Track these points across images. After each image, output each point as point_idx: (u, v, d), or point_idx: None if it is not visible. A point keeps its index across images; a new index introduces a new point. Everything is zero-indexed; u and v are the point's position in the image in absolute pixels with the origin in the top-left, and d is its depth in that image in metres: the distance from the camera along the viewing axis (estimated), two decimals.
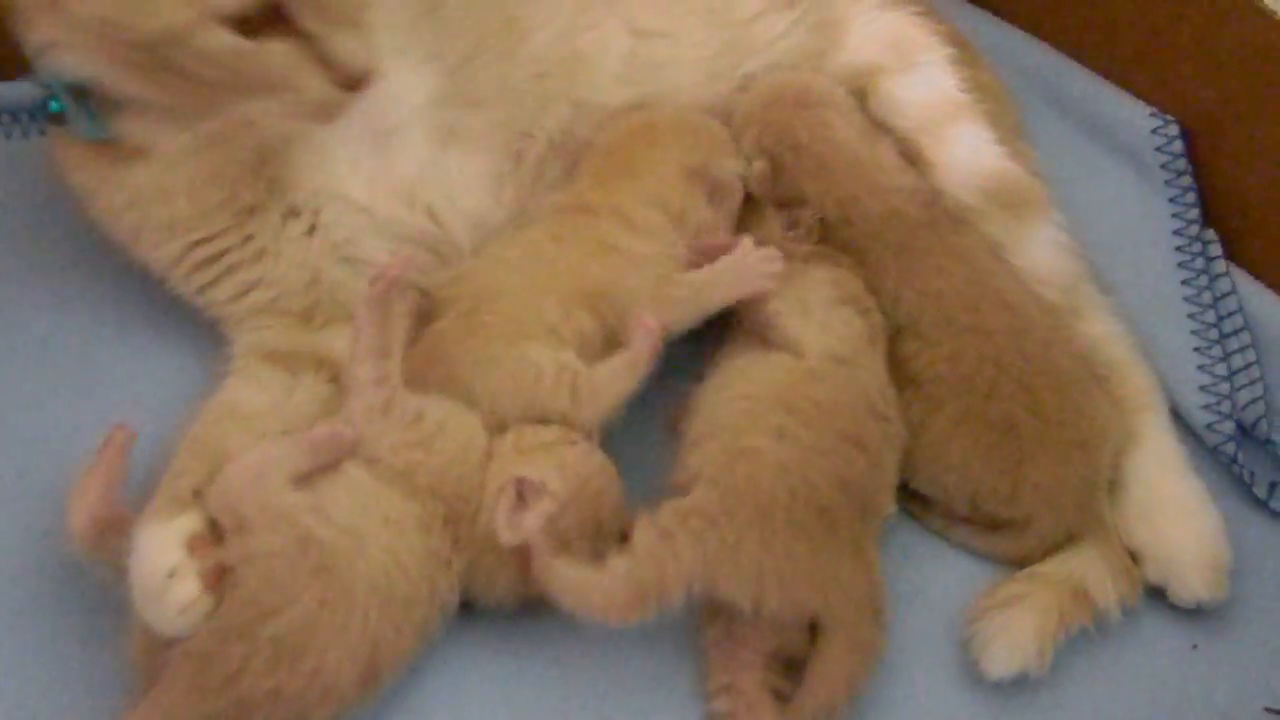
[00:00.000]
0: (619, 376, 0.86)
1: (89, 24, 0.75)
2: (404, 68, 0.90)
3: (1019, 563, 0.88)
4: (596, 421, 0.86)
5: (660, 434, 0.89)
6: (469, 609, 0.82)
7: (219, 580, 0.72)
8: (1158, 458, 0.91)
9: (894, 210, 0.93)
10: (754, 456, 0.80)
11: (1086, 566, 0.87)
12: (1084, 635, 0.86)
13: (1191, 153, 1.03)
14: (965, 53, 1.02)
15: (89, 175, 0.87)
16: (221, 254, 0.88)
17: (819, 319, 0.87)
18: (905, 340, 0.91)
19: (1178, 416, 0.96)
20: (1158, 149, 1.03)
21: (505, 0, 0.94)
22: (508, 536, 0.78)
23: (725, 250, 0.89)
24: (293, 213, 0.88)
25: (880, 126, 0.97)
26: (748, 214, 0.96)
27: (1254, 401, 0.95)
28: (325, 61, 0.77)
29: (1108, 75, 1.08)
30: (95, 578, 0.77)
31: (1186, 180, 1.02)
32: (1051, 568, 0.87)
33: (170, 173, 0.85)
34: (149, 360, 0.94)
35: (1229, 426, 0.94)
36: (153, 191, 0.85)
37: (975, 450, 0.88)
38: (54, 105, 0.84)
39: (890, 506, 0.88)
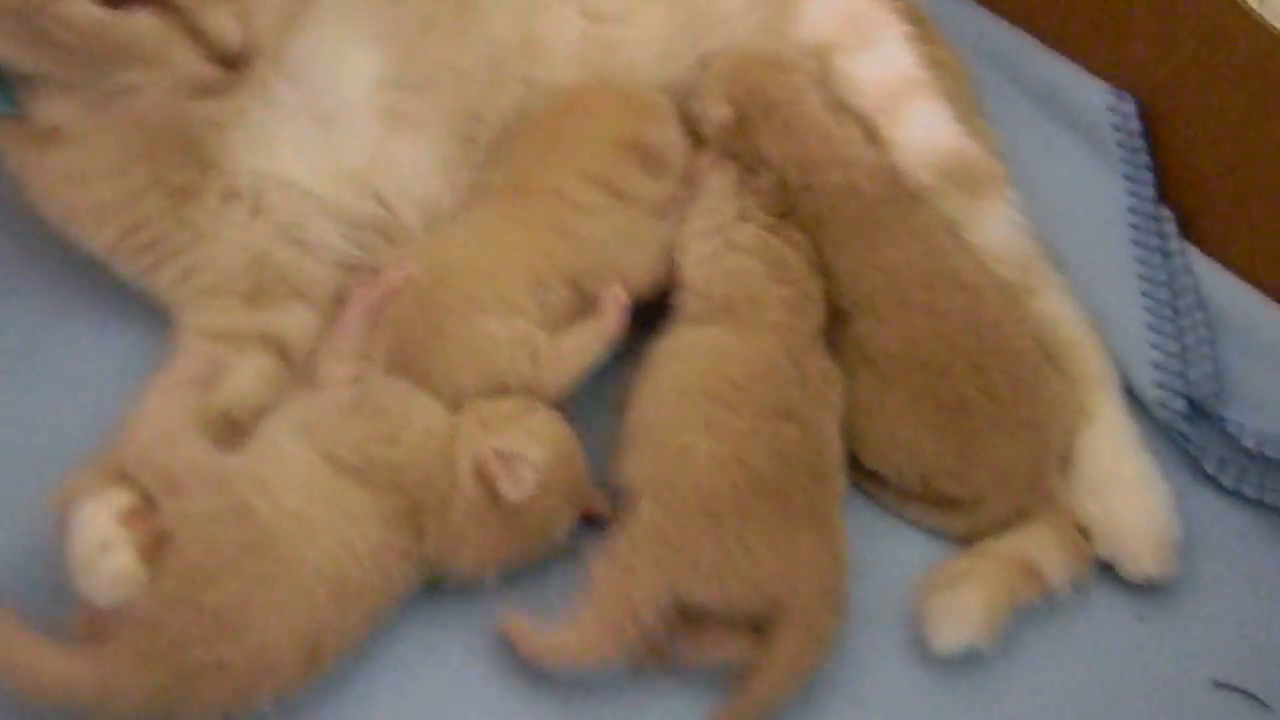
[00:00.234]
0: (585, 344, 0.86)
1: None
2: (349, 50, 0.89)
3: (971, 539, 0.89)
4: (561, 389, 0.86)
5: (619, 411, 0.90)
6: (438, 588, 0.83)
7: (155, 552, 0.72)
8: (1109, 435, 0.92)
9: (855, 184, 0.93)
10: (688, 456, 0.81)
11: (1037, 543, 0.88)
12: (1034, 610, 0.87)
13: (1148, 130, 1.03)
14: (923, 29, 1.02)
15: (19, 158, 0.86)
16: (158, 239, 0.87)
17: (712, 246, 0.89)
18: (862, 318, 0.92)
19: (1131, 393, 0.96)
20: (1114, 126, 1.03)
21: None
22: (514, 494, 0.79)
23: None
24: (232, 195, 0.88)
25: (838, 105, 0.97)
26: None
27: (1206, 378, 0.95)
28: (198, 37, 0.76)
29: (1065, 52, 1.08)
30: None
31: (1143, 158, 1.03)
32: (1002, 544, 0.88)
33: (87, 155, 0.84)
34: (97, 344, 0.93)
35: (1181, 403, 0.95)
36: (74, 175, 0.85)
37: (927, 429, 0.88)
38: None
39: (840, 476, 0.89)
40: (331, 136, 0.89)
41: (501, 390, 0.85)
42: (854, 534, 0.89)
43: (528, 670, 0.81)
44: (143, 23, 0.75)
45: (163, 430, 0.76)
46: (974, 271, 0.93)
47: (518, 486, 0.79)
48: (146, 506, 0.74)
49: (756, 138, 0.93)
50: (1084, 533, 0.90)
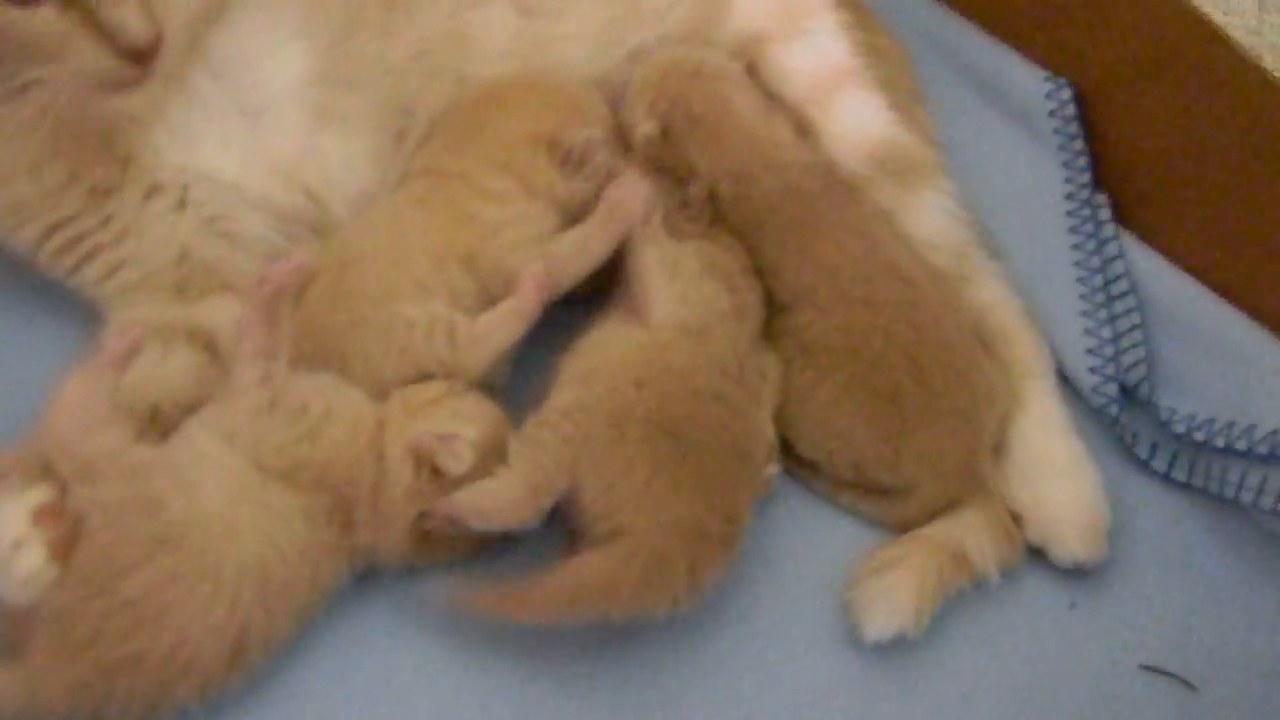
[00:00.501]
0: (502, 324, 0.86)
1: None
2: (275, 45, 0.89)
3: (904, 527, 0.90)
4: (480, 369, 0.86)
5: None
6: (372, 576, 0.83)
7: (67, 549, 0.73)
8: (1041, 421, 0.93)
9: (790, 186, 0.93)
10: (614, 392, 0.82)
11: (967, 529, 0.88)
12: (965, 595, 0.88)
13: (1084, 116, 1.04)
14: (859, 16, 1.02)
15: None
16: (81, 237, 0.87)
17: (680, 288, 0.88)
18: (801, 310, 0.92)
19: (1065, 378, 0.97)
20: (1050, 112, 1.04)
21: None
22: (456, 469, 0.80)
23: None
24: (156, 190, 0.87)
25: (770, 96, 0.97)
26: None
27: (1137, 364, 0.96)
28: (102, 31, 0.76)
29: (1003, 38, 1.08)
30: None
31: (1079, 144, 1.03)
32: (933, 530, 0.89)
33: (1, 153, 0.83)
34: (25, 342, 0.93)
35: (1113, 388, 0.96)
36: None
37: (859, 418, 0.89)
38: None
39: (771, 467, 0.90)
40: (258, 131, 0.89)
41: (423, 375, 0.85)
42: (787, 521, 0.91)
43: (467, 653, 0.82)
44: (45, 18, 0.75)
45: (79, 415, 0.76)
46: (910, 262, 0.93)
47: (457, 461, 0.80)
48: (62, 498, 0.75)
49: (684, 150, 0.93)
50: (1016, 519, 0.91)
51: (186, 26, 0.85)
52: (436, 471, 0.81)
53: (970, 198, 1.00)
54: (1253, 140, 0.93)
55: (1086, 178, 1.02)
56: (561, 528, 0.84)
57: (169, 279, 0.89)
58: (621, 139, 0.96)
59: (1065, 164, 1.03)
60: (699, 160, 0.93)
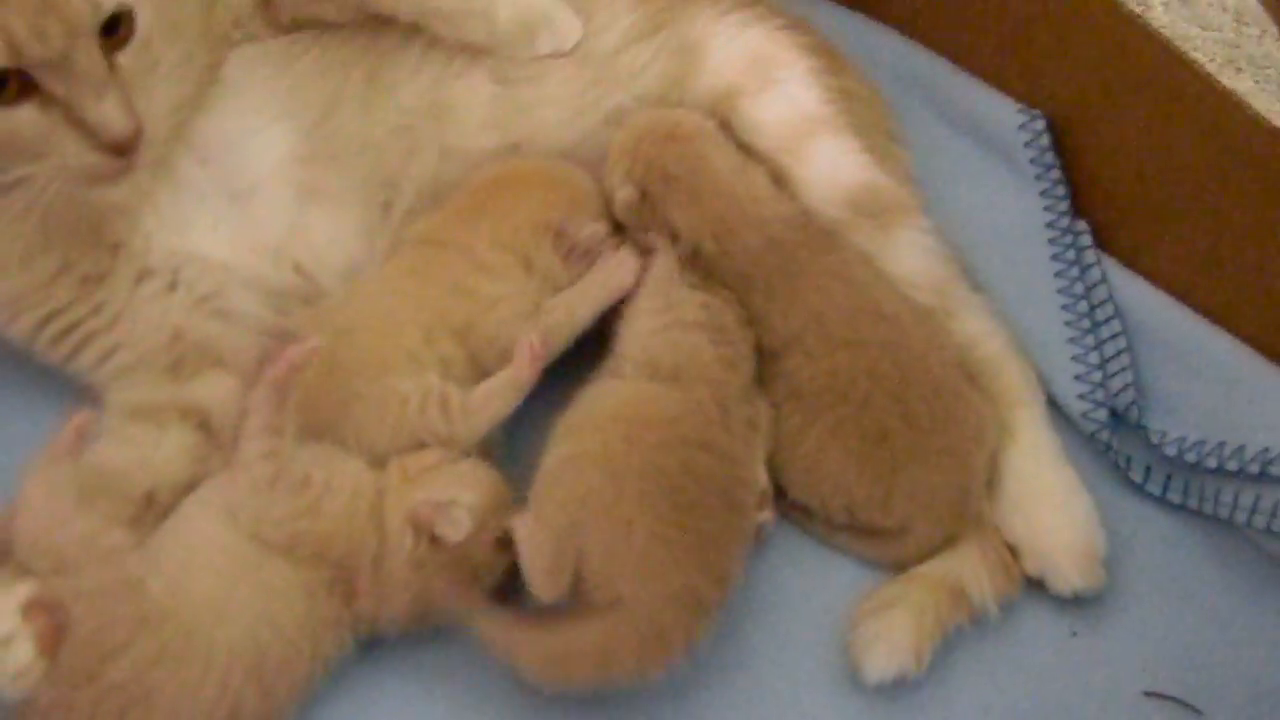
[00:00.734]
0: (498, 395, 0.88)
1: None
2: (258, 127, 0.91)
3: (901, 566, 0.90)
4: (475, 439, 0.88)
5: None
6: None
7: (55, 641, 0.73)
8: (1031, 452, 0.93)
9: (772, 239, 0.94)
10: (604, 446, 0.83)
11: (964, 565, 0.89)
12: (966, 630, 0.88)
13: (1060, 146, 1.05)
14: (830, 61, 1.04)
15: None
16: (75, 325, 0.89)
17: (661, 322, 0.90)
18: (790, 356, 0.93)
19: (1054, 406, 0.98)
20: (1026, 144, 1.05)
21: (365, 55, 0.95)
22: (454, 536, 0.81)
23: None
24: (146, 274, 0.89)
25: (744, 149, 0.98)
26: None
27: (1125, 388, 0.97)
28: (83, 127, 0.78)
29: (976, 73, 1.10)
30: None
31: (1056, 173, 1.04)
32: (930, 568, 0.89)
33: None
34: (25, 427, 0.92)
35: (1103, 414, 0.96)
36: None
37: (849, 460, 0.90)
38: None
39: (765, 514, 0.90)
40: (246, 212, 0.91)
41: (419, 445, 0.86)
42: (784, 563, 0.92)
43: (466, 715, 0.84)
44: (26, 117, 0.77)
45: (45, 511, 0.77)
46: (893, 302, 0.94)
47: (456, 529, 0.81)
48: (47, 591, 0.75)
49: (664, 212, 0.94)
50: (1012, 551, 0.91)
51: (169, 116, 0.87)
52: (436, 539, 0.82)
53: (951, 232, 1.01)
54: (1223, 162, 0.94)
55: (1066, 206, 1.03)
56: None
57: (163, 359, 0.90)
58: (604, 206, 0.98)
59: (1043, 193, 1.04)
60: (679, 221, 0.95)
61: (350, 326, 0.89)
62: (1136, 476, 0.96)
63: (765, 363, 0.94)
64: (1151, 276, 1.00)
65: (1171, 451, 0.93)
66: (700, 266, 0.94)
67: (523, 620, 0.82)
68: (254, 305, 0.92)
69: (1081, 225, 1.03)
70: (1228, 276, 0.96)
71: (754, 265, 0.94)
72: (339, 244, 0.94)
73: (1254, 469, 0.89)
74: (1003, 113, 1.06)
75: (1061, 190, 1.04)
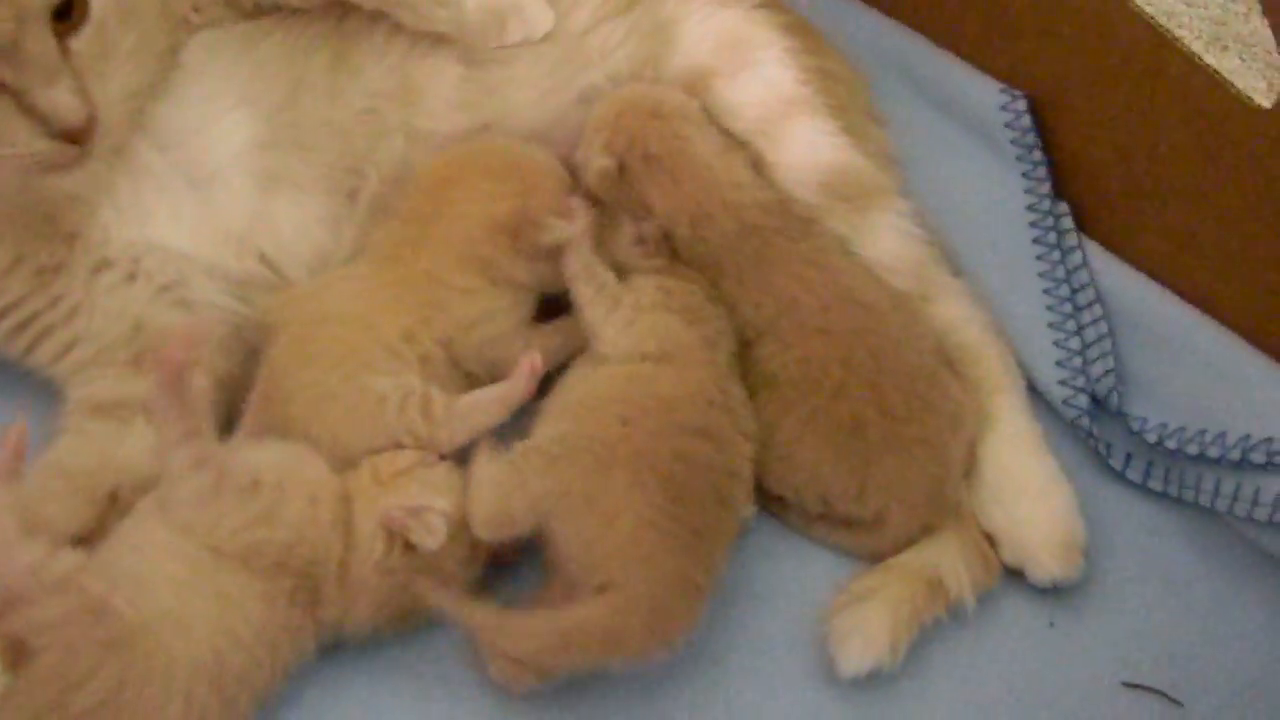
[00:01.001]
0: (486, 408, 0.86)
1: None
2: (218, 114, 0.89)
3: (878, 557, 0.89)
4: (455, 446, 0.86)
5: None
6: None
7: (19, 656, 0.72)
8: (1010, 439, 0.92)
9: (748, 226, 0.93)
10: (597, 424, 0.82)
11: (941, 555, 0.88)
12: (944, 621, 0.87)
13: (1041, 126, 1.03)
14: (807, 41, 1.02)
15: None
16: (32, 319, 0.87)
17: (626, 316, 0.88)
18: (764, 343, 0.92)
19: (1035, 392, 0.96)
20: (1007, 124, 1.03)
21: (330, 38, 0.92)
22: (429, 543, 0.79)
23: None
24: (104, 265, 0.87)
25: (719, 128, 0.96)
26: (597, 224, 0.95)
27: (1107, 374, 0.95)
28: (35, 114, 0.76)
29: (956, 52, 1.08)
30: None
31: (1037, 154, 1.02)
32: (907, 559, 0.88)
33: None
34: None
35: (1084, 400, 0.95)
36: None
37: (823, 450, 0.88)
38: None
39: (748, 508, 0.89)
40: (208, 201, 0.89)
41: (394, 446, 0.84)
42: (759, 554, 0.91)
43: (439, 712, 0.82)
44: None
45: None
46: (869, 288, 0.93)
47: (431, 535, 0.79)
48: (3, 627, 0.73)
49: (640, 189, 0.92)
50: (990, 540, 0.90)
51: (126, 102, 0.85)
52: (409, 545, 0.80)
53: (931, 214, 1.00)
54: (1206, 143, 0.92)
55: (1047, 188, 1.02)
56: (536, 573, 0.84)
57: (124, 353, 0.88)
58: (575, 177, 0.96)
59: (1025, 175, 1.02)
60: (656, 201, 0.93)
61: (324, 317, 0.86)
62: (1117, 464, 0.95)
63: (738, 350, 0.93)
64: (1134, 259, 0.99)
65: (1152, 438, 0.92)
66: (668, 249, 0.93)
67: (511, 609, 0.80)
68: (218, 295, 0.90)
69: (1063, 207, 1.02)
70: (1211, 260, 0.94)
71: (727, 251, 0.92)
72: (304, 233, 0.92)
73: (1235, 456, 0.88)
74: (984, 92, 1.04)
75: (1043, 171, 1.02)
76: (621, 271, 0.92)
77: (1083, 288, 0.98)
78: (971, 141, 1.05)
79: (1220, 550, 0.91)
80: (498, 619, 0.79)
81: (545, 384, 0.89)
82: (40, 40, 0.75)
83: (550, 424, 0.85)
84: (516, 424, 0.87)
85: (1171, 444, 0.91)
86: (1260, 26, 1.24)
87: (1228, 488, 0.89)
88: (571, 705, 0.83)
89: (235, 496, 0.77)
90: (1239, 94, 0.90)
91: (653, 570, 0.79)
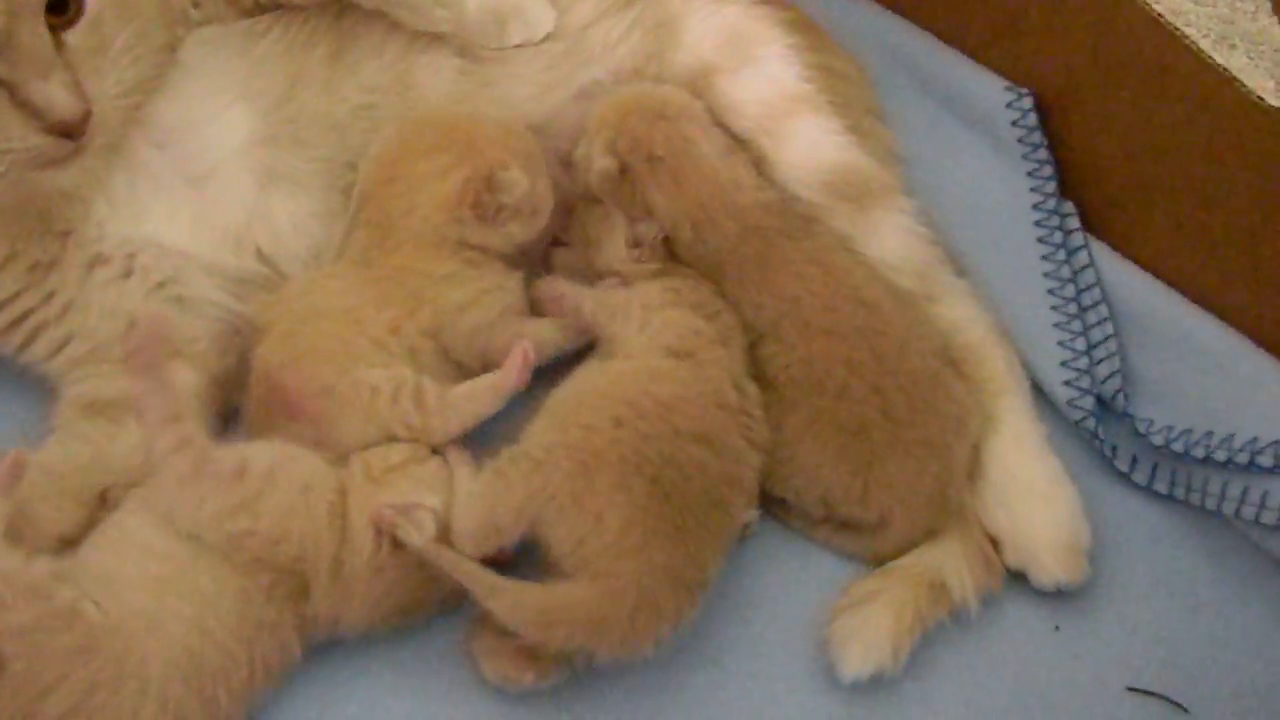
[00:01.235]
0: (480, 398, 0.85)
1: None
2: (217, 110, 0.89)
3: (880, 560, 0.88)
4: (449, 437, 0.85)
5: None
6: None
7: None
8: (1015, 441, 0.91)
9: (750, 227, 0.92)
10: (588, 432, 0.81)
11: (944, 558, 0.87)
12: (947, 624, 0.86)
13: (1047, 125, 1.02)
14: (811, 38, 1.01)
15: None
16: (25, 315, 0.87)
17: (637, 320, 0.88)
18: (766, 343, 0.91)
19: (1040, 393, 0.95)
20: (1013, 122, 1.02)
21: (328, 34, 0.92)
22: (417, 540, 0.78)
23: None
24: (99, 261, 0.87)
25: (721, 129, 0.95)
26: (594, 225, 0.94)
27: (1113, 375, 0.94)
28: (28, 109, 0.75)
29: (962, 49, 1.07)
30: None
31: (1043, 153, 1.01)
32: (909, 561, 0.87)
33: None
34: None
35: (1089, 401, 0.94)
36: None
37: (825, 452, 0.87)
38: None
39: (751, 512, 0.88)
40: (205, 197, 0.89)
41: (388, 438, 0.84)
42: (760, 557, 0.90)
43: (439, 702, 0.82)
44: None
45: None
46: (873, 288, 0.92)
47: (420, 531, 0.79)
48: None
49: (643, 191, 0.92)
50: (994, 543, 0.89)
51: (122, 98, 0.84)
52: (398, 543, 0.79)
53: (936, 213, 0.99)
54: (1216, 141, 0.91)
55: (1053, 186, 1.01)
56: (536, 571, 0.82)
57: (118, 350, 0.87)
58: (577, 174, 0.95)
59: (1030, 173, 1.01)
60: (659, 202, 0.92)
61: (311, 314, 0.86)
62: (1123, 465, 0.94)
63: None
64: (1140, 259, 0.98)
65: (1158, 440, 0.91)
66: (665, 252, 0.92)
67: (511, 579, 0.80)
68: (214, 292, 0.89)
69: (1069, 206, 1.01)
70: (1219, 259, 0.93)
71: (729, 253, 0.92)
72: (301, 228, 0.91)
73: (1243, 459, 0.87)
74: (989, 90, 1.03)
75: (1049, 170, 1.01)
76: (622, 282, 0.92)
77: (1088, 288, 0.97)
78: (976, 140, 1.04)
79: (1227, 554, 0.91)
80: (492, 580, 0.79)
81: (544, 380, 0.88)
82: (34, 34, 0.74)
83: (543, 425, 0.84)
84: (508, 428, 0.86)
85: (1178, 446, 0.90)
86: (1268, 25, 1.23)
87: (1235, 491, 0.88)
88: (569, 705, 0.83)
89: (216, 481, 0.76)
90: (1248, 92, 0.89)
91: (642, 562, 0.78)
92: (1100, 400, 0.94)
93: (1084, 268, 0.98)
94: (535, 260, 0.95)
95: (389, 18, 0.91)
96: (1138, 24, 0.94)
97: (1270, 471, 0.86)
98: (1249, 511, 0.87)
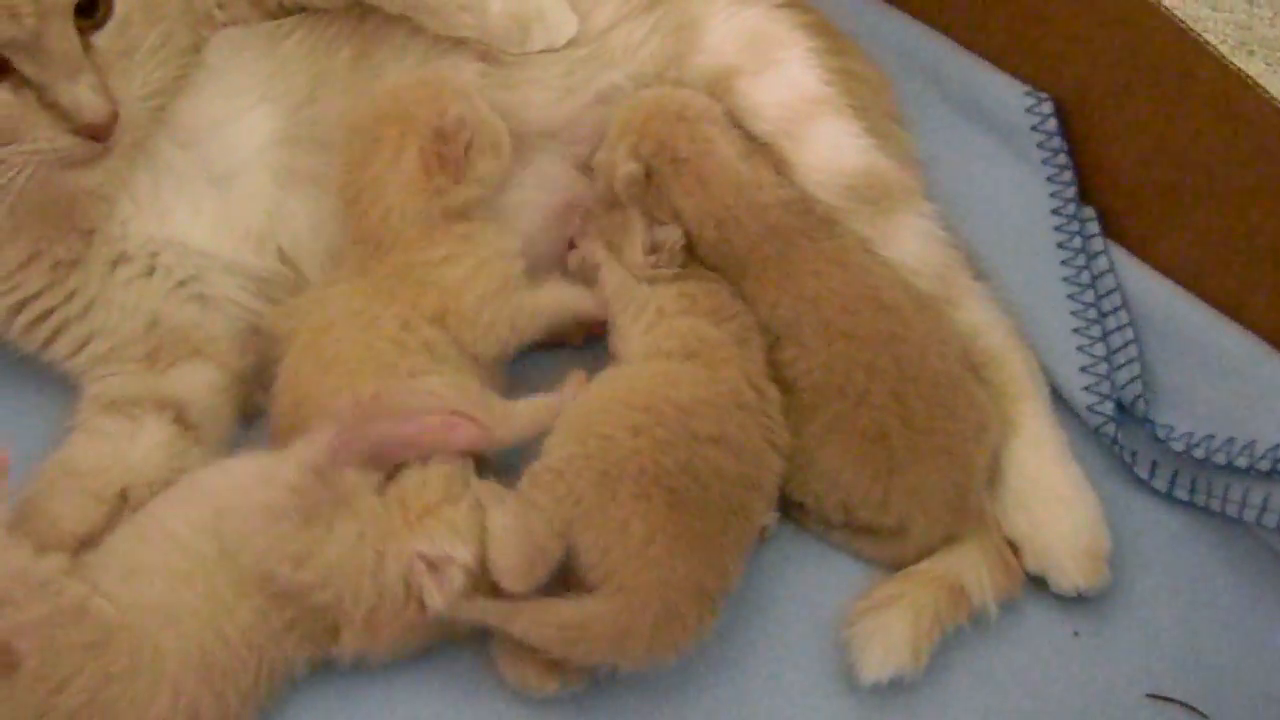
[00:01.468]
0: (537, 414, 0.86)
1: None
2: (240, 111, 0.89)
3: (900, 564, 0.88)
4: (507, 444, 0.85)
5: None
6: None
7: (6, 660, 0.71)
8: (1034, 446, 0.91)
9: (771, 227, 0.92)
10: (607, 442, 0.81)
11: (964, 563, 0.87)
12: (966, 629, 0.86)
13: (1067, 130, 1.02)
14: (832, 42, 1.01)
15: None
16: (48, 313, 0.87)
17: (647, 320, 0.88)
18: (785, 346, 0.91)
19: (1059, 399, 0.95)
20: (1033, 127, 1.02)
21: (352, 37, 0.92)
22: (440, 604, 0.78)
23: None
24: (122, 260, 0.87)
25: (742, 132, 0.95)
26: (611, 231, 0.94)
27: (1132, 380, 0.94)
28: (56, 110, 0.76)
29: (983, 54, 1.07)
30: None
31: (1063, 158, 1.01)
32: (929, 566, 0.87)
33: None
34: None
35: (1109, 407, 0.94)
36: None
37: (845, 458, 0.87)
38: None
39: (770, 515, 0.88)
40: (228, 197, 0.89)
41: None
42: (780, 560, 0.90)
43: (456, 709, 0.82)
44: (0, 99, 0.75)
45: None
46: (894, 290, 0.92)
47: (446, 591, 0.78)
48: None
49: (668, 193, 0.92)
50: (1014, 548, 0.89)
51: (148, 99, 0.85)
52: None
53: (956, 217, 0.99)
54: (1238, 147, 0.91)
55: (1072, 191, 1.01)
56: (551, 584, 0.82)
57: (139, 348, 0.88)
58: (596, 178, 0.95)
59: (1050, 178, 1.01)
60: (684, 206, 0.92)
61: (329, 322, 0.86)
62: (1143, 472, 0.94)
63: None
64: (1160, 265, 0.98)
65: (1179, 447, 0.91)
66: (684, 255, 0.92)
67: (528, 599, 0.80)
68: (235, 291, 0.90)
69: (1089, 212, 1.00)
70: (1239, 265, 0.93)
71: (751, 252, 0.92)
72: (320, 229, 0.91)
73: (1264, 466, 0.87)
74: (1009, 95, 1.03)
75: (1068, 175, 1.01)
76: None
77: (1108, 293, 0.97)
78: (996, 144, 1.04)
79: (1247, 561, 0.90)
80: (510, 605, 0.79)
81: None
82: (63, 36, 0.75)
83: (561, 438, 0.83)
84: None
85: (1199, 453, 0.90)
86: None
87: (1256, 498, 0.88)
88: (588, 709, 0.83)
89: (284, 531, 0.76)
90: (1269, 98, 0.88)
91: (664, 574, 0.79)
92: (1120, 406, 0.94)
93: (1104, 273, 0.98)
94: (551, 263, 0.95)
95: (412, 22, 0.92)
96: (1158, 29, 0.94)
97: None
98: (1270, 519, 0.87)
